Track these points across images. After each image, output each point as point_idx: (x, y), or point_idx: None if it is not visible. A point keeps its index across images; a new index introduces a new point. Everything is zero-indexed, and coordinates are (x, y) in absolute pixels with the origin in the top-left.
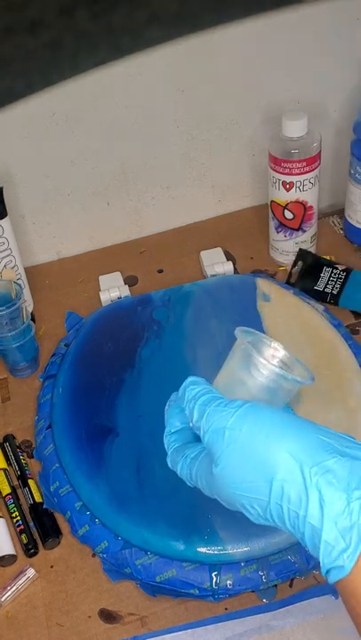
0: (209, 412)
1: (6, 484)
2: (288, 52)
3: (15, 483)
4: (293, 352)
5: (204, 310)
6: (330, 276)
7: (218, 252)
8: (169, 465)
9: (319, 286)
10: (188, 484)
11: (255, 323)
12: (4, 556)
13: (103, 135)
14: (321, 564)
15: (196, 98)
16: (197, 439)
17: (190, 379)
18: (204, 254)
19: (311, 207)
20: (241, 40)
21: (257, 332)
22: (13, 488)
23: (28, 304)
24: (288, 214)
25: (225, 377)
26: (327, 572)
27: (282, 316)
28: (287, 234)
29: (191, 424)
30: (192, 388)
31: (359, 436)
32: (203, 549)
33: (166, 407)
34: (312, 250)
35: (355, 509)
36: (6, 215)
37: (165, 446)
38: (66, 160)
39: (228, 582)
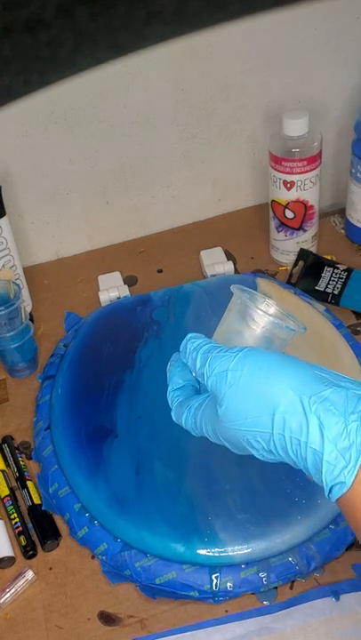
0: (211, 358)
1: (5, 485)
2: (289, 50)
3: (14, 484)
4: (294, 353)
5: (204, 310)
6: (331, 275)
7: (218, 252)
8: (174, 419)
9: (320, 286)
10: (193, 433)
11: None
12: (2, 558)
13: (102, 134)
14: (324, 484)
15: (196, 97)
16: (199, 393)
17: (190, 334)
18: (204, 254)
19: (312, 206)
20: (241, 39)
21: (251, 290)
22: (12, 489)
23: (26, 304)
24: (289, 214)
25: (223, 331)
26: (330, 490)
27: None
28: (288, 233)
29: (194, 373)
30: (193, 340)
31: None
32: (203, 551)
33: (168, 366)
34: (313, 249)
35: (352, 430)
36: (5, 214)
37: (169, 402)
38: (65, 159)
39: (229, 584)
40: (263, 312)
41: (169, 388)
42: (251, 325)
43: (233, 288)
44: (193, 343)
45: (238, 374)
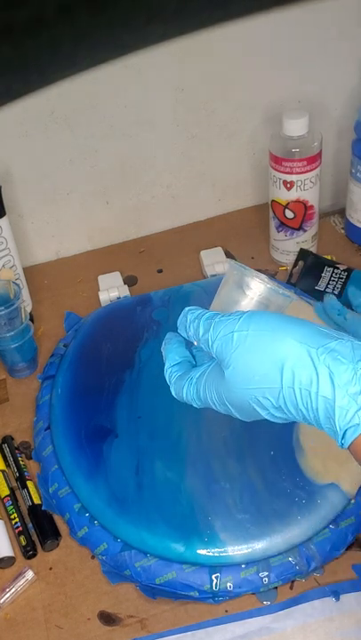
0: (215, 323)
1: (5, 485)
2: (289, 50)
3: (14, 484)
4: None
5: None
6: (331, 275)
7: (218, 252)
8: (173, 394)
9: (320, 286)
10: (196, 404)
11: None
12: (2, 558)
13: (102, 134)
14: (337, 429)
15: (196, 97)
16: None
17: (187, 307)
18: (204, 254)
19: (312, 206)
20: (241, 38)
21: (245, 265)
22: (12, 489)
23: (26, 304)
24: (289, 214)
25: (220, 302)
26: (343, 435)
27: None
28: (288, 233)
29: (195, 342)
30: (193, 311)
31: None
32: (203, 551)
33: (163, 345)
34: (313, 249)
35: None
36: (5, 214)
37: (167, 379)
38: (65, 159)
39: (229, 584)
40: (260, 280)
41: (166, 365)
42: (248, 293)
43: (229, 262)
44: (193, 313)
45: (244, 334)
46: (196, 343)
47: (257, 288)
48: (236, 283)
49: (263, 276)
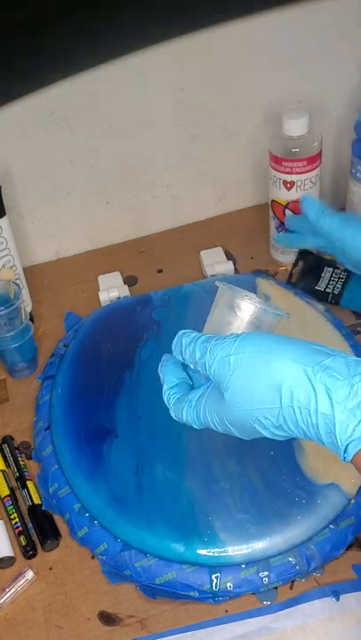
0: (211, 347)
1: (5, 485)
2: (289, 50)
3: (14, 484)
4: None
5: (204, 310)
6: (331, 275)
7: (218, 252)
8: (173, 416)
9: (320, 286)
10: (196, 426)
11: None
12: (2, 558)
13: (102, 134)
14: (339, 444)
15: (196, 97)
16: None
17: (181, 331)
18: (204, 254)
19: None
20: (241, 38)
21: (233, 286)
22: (12, 489)
23: (26, 304)
24: (289, 214)
25: (212, 325)
26: (345, 449)
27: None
28: None
29: (192, 365)
30: (187, 334)
31: None
32: (203, 551)
33: (160, 367)
34: (313, 250)
35: (358, 391)
36: (5, 214)
37: (166, 401)
38: (65, 159)
39: (229, 584)
40: (249, 300)
41: (164, 388)
42: (239, 315)
43: (217, 283)
44: (188, 337)
45: (240, 357)
46: (192, 366)
47: (247, 309)
48: (227, 304)
49: (253, 295)
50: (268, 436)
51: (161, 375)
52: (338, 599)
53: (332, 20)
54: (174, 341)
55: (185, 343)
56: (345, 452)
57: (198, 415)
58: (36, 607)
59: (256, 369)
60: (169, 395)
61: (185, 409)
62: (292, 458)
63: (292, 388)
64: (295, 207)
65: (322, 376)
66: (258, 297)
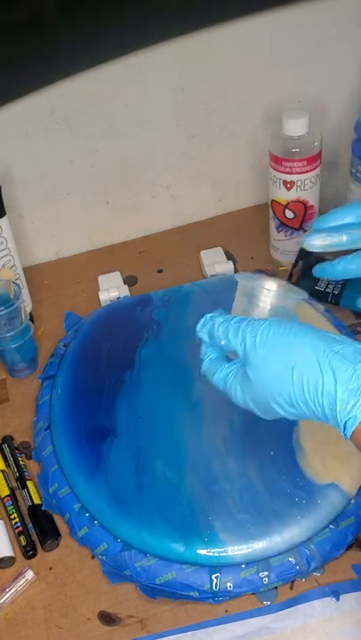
0: (243, 327)
1: (5, 485)
2: (289, 50)
3: (14, 484)
4: None
5: (204, 310)
6: None
7: (218, 252)
8: (202, 372)
9: (320, 286)
10: (219, 388)
11: None
12: (2, 558)
13: (102, 134)
14: (339, 420)
15: (196, 97)
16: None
17: (209, 314)
18: (204, 254)
19: (312, 206)
20: (242, 38)
21: (252, 275)
22: (12, 489)
23: (26, 304)
24: (289, 214)
25: (239, 310)
26: (344, 425)
27: (282, 317)
28: (288, 233)
29: (223, 342)
30: (218, 317)
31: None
32: (203, 551)
33: (199, 327)
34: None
35: (360, 374)
36: (5, 214)
37: (201, 354)
38: (65, 159)
39: (229, 584)
40: (267, 289)
41: (203, 346)
42: (259, 304)
43: (237, 278)
44: (220, 317)
45: (265, 338)
46: (222, 343)
47: (266, 297)
48: (246, 296)
49: (271, 282)
50: (282, 413)
51: (202, 337)
52: (338, 599)
53: (333, 20)
54: (201, 323)
55: (217, 323)
56: (344, 429)
57: (226, 384)
58: (36, 607)
59: (276, 350)
60: (205, 350)
61: (216, 373)
62: (292, 458)
63: (303, 370)
64: (295, 207)
65: (331, 360)
66: (276, 281)
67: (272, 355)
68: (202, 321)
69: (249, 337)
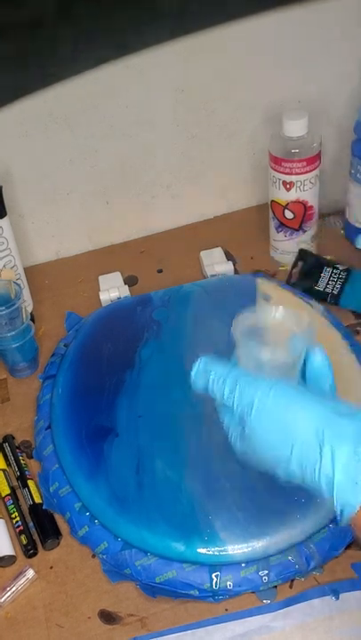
0: (240, 387)
1: (6, 484)
2: (289, 51)
3: (15, 483)
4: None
5: (204, 310)
6: (330, 276)
7: (218, 252)
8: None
9: (320, 286)
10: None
11: None
12: (3, 557)
13: (103, 134)
14: (336, 505)
15: (196, 97)
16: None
17: (204, 357)
18: (204, 254)
19: (312, 207)
20: (241, 39)
21: (250, 314)
22: (13, 489)
23: (27, 304)
24: (288, 214)
25: (244, 356)
26: (341, 511)
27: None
28: (288, 234)
29: (217, 397)
30: (215, 366)
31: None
32: (203, 550)
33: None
34: (312, 250)
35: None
36: (5, 215)
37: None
38: (65, 159)
39: (229, 583)
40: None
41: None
42: (262, 353)
43: (234, 331)
44: (216, 370)
45: (263, 406)
46: (217, 398)
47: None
48: (248, 352)
49: (278, 311)
50: (279, 477)
51: (198, 387)
52: (337, 598)
53: (336, 20)
54: (196, 368)
55: (212, 378)
56: (341, 514)
57: (226, 427)
58: (36, 606)
59: (274, 423)
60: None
61: (227, 417)
62: None
63: (301, 449)
64: (295, 207)
65: (331, 438)
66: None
67: (270, 427)
68: (196, 367)
69: (246, 401)
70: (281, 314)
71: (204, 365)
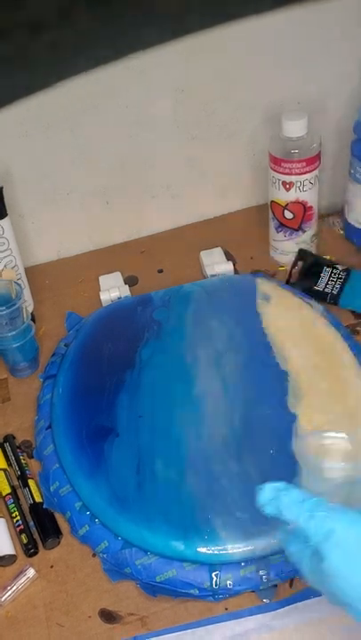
0: (318, 516)
1: (6, 484)
2: (289, 51)
3: (15, 483)
4: (293, 353)
5: (205, 310)
6: (330, 276)
7: (218, 252)
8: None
9: (319, 286)
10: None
11: (255, 323)
12: (3, 556)
13: (103, 135)
14: None
15: (196, 97)
16: None
17: (273, 485)
18: (204, 254)
19: (311, 207)
20: (241, 39)
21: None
22: (13, 488)
23: (28, 304)
24: (288, 214)
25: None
26: None
27: (282, 317)
28: (287, 234)
29: (292, 524)
30: (288, 493)
31: (359, 437)
32: (203, 549)
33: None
34: (312, 250)
35: None
36: (6, 215)
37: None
38: (65, 159)
39: (228, 582)
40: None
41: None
42: (331, 474)
43: (297, 450)
44: (288, 496)
45: (343, 539)
46: (291, 525)
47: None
48: (314, 460)
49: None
50: (352, 616)
51: (269, 513)
52: None
53: (336, 20)
54: (264, 495)
55: (285, 503)
56: None
57: (295, 557)
58: (37, 605)
59: (356, 559)
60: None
61: (288, 546)
62: (291, 457)
63: None
64: (294, 208)
65: None
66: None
67: (352, 563)
68: (265, 493)
69: (324, 531)
70: (340, 436)
71: (274, 491)
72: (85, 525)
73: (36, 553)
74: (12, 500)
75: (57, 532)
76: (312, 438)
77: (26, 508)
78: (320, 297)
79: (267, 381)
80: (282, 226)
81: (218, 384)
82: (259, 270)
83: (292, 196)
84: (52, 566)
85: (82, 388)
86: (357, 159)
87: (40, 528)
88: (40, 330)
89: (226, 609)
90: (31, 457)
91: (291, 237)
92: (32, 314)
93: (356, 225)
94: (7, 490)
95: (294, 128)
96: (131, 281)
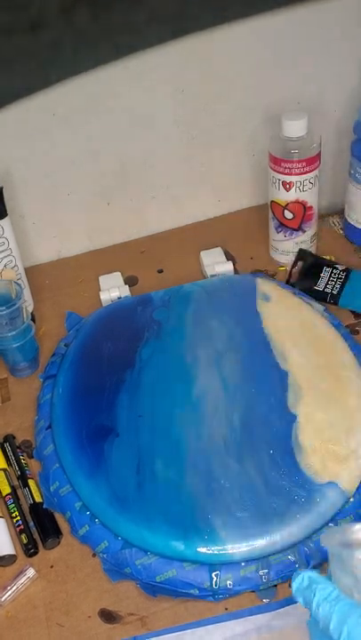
0: (349, 625)
1: (6, 483)
2: (289, 51)
3: (15, 483)
4: (293, 353)
5: (205, 310)
6: (330, 275)
7: (218, 252)
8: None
9: (319, 286)
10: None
11: (255, 323)
12: (3, 556)
13: (103, 135)
14: None
15: (196, 98)
16: None
17: (306, 573)
18: (204, 254)
19: (311, 207)
20: (241, 40)
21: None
22: (13, 488)
23: (28, 304)
24: (288, 214)
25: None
26: None
27: (282, 317)
28: (287, 234)
29: (321, 624)
30: (322, 588)
31: (359, 437)
32: (203, 549)
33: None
34: (312, 250)
35: None
36: (6, 215)
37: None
38: (66, 160)
39: (228, 582)
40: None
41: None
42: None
43: (327, 544)
44: (323, 591)
45: None
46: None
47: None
48: (342, 569)
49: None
50: None
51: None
52: None
53: (336, 20)
54: (297, 583)
55: (318, 598)
56: None
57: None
58: (37, 605)
59: None
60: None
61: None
62: (291, 457)
63: None
64: (294, 208)
65: None
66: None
67: None
68: (300, 581)
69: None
70: None
71: (309, 581)
72: (85, 525)
73: (36, 553)
74: (12, 500)
75: (57, 532)
76: (341, 532)
77: (26, 507)
78: (320, 297)
79: (267, 381)
80: (282, 226)
81: (218, 384)
82: (259, 270)
83: (292, 196)
84: (52, 566)
85: (82, 387)
86: (357, 159)
87: (40, 528)
88: (40, 330)
89: (226, 609)
90: (31, 457)
91: (291, 237)
92: (32, 314)
93: (357, 225)
94: (7, 490)
95: (294, 128)
96: (131, 281)
